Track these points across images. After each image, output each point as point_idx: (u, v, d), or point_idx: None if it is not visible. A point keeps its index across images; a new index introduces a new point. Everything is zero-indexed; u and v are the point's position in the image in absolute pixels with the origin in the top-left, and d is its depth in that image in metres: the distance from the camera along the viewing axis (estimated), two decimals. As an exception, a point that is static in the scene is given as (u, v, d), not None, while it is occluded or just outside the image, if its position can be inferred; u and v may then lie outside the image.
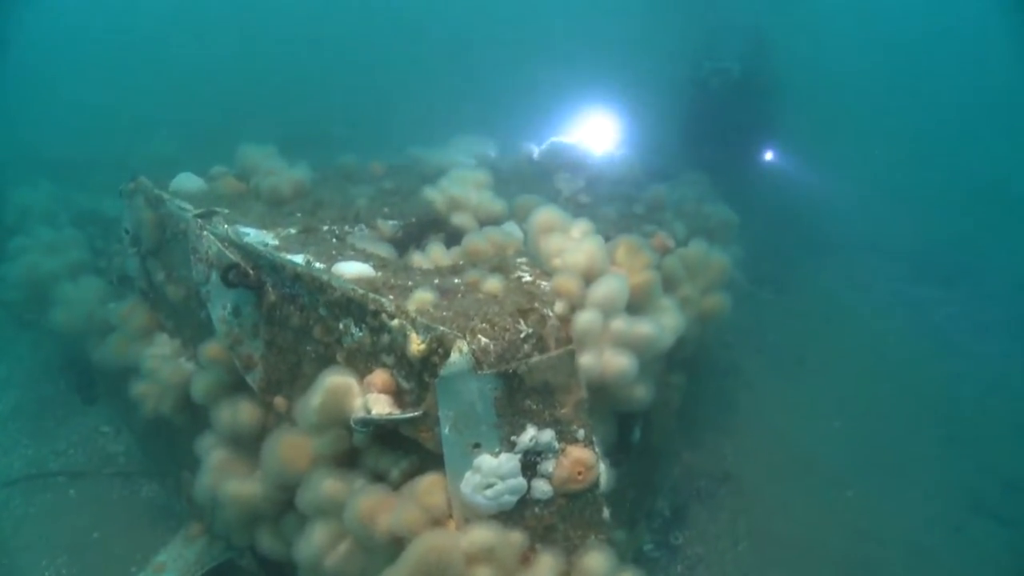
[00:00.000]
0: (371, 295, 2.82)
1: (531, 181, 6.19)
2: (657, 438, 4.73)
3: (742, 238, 6.65)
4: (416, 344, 2.60)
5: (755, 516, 5.03)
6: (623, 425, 3.94)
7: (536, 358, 2.69)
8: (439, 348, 2.58)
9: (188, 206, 4.05)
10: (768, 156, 8.87)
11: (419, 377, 2.70)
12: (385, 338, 2.77)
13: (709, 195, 7.18)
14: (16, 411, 6.02)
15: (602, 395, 3.28)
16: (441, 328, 2.59)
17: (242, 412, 3.67)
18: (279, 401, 3.54)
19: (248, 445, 3.71)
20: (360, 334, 2.88)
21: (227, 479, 3.66)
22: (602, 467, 2.89)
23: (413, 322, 2.66)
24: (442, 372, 2.53)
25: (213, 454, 3.78)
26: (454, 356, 2.52)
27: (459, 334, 2.57)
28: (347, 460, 3.15)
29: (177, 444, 4.65)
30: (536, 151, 7.07)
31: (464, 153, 5.95)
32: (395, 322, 2.70)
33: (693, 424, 5.63)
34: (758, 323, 7.59)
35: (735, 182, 8.28)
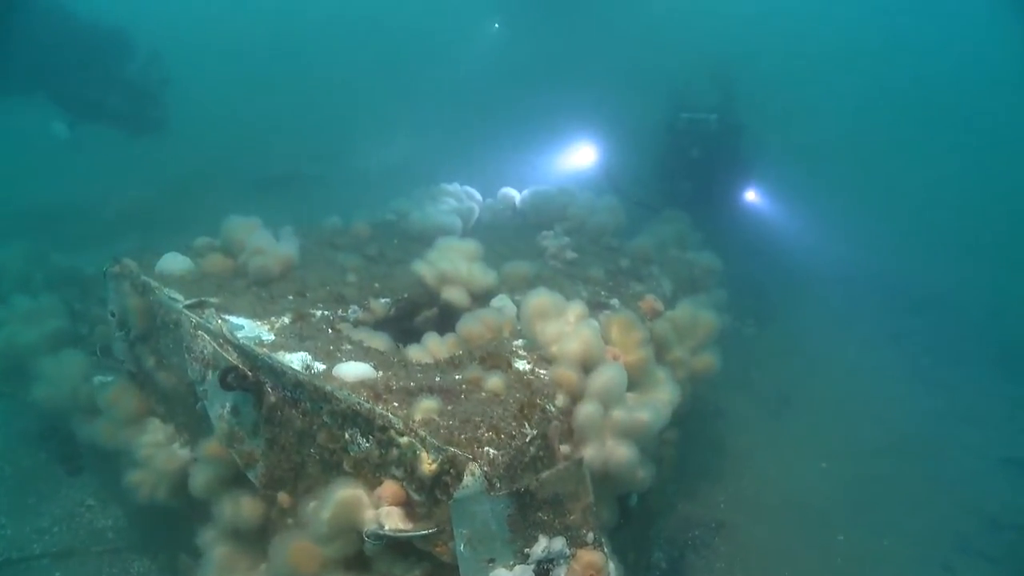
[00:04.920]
0: (378, 410, 2.83)
1: (514, 236, 6.25)
2: (655, 497, 4.80)
3: (722, 273, 6.77)
4: (427, 464, 2.62)
5: (750, 565, 5.10)
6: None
7: (546, 473, 2.73)
8: (451, 469, 2.60)
9: (178, 296, 4.01)
10: (747, 196, 9.08)
11: (431, 492, 2.72)
12: (394, 452, 2.78)
13: (690, 235, 7.32)
14: (-7, 487, 5.84)
15: (605, 483, 3.34)
16: (452, 449, 2.62)
17: (244, 507, 3.65)
18: (283, 498, 3.51)
19: (251, 538, 3.70)
20: (367, 445, 2.89)
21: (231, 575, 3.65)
22: (611, 566, 2.93)
23: (423, 441, 2.68)
24: (456, 495, 2.56)
25: (216, 550, 3.76)
26: (467, 479, 2.54)
27: (470, 456, 2.59)
28: (358, 562, 3.15)
29: (172, 522, 4.59)
30: (517, 199, 7.13)
31: (446, 212, 5.97)
32: (404, 439, 2.72)
33: (685, 472, 5.70)
34: (742, 360, 7.70)
35: (711, 218, 8.46)
